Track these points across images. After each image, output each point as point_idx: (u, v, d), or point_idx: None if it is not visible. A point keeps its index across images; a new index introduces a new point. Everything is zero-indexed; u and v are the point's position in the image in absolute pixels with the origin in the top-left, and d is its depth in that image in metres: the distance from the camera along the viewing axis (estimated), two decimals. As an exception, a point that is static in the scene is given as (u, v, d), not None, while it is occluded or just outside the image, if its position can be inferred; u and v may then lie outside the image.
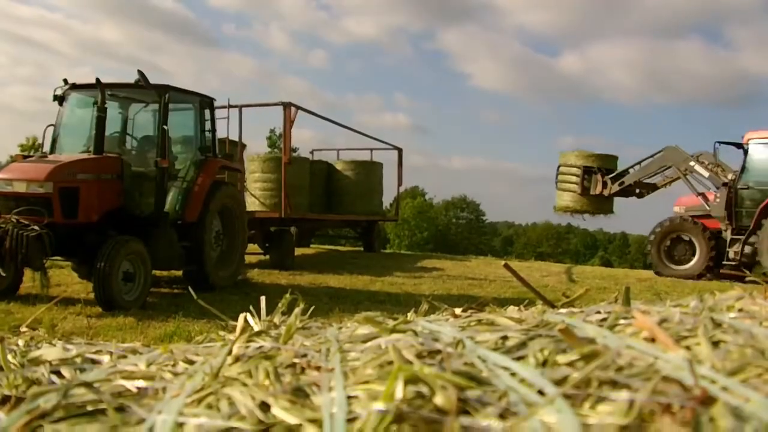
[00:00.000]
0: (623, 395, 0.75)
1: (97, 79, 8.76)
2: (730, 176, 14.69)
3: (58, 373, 1.11)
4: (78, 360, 1.21)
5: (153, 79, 9.25)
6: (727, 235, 14.51)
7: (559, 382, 0.81)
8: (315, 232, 19.44)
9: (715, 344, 0.95)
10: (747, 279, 13.99)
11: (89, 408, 0.89)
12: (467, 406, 0.76)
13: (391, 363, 0.91)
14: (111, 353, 1.26)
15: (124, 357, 1.22)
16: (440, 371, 0.83)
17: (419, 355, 0.94)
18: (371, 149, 19.78)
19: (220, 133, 11.72)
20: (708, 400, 0.73)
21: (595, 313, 1.21)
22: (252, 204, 15.24)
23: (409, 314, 1.41)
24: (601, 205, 17.76)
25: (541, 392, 0.77)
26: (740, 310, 1.19)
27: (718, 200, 14.65)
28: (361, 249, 19.72)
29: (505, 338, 1.03)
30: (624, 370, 0.83)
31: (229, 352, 1.07)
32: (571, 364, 0.87)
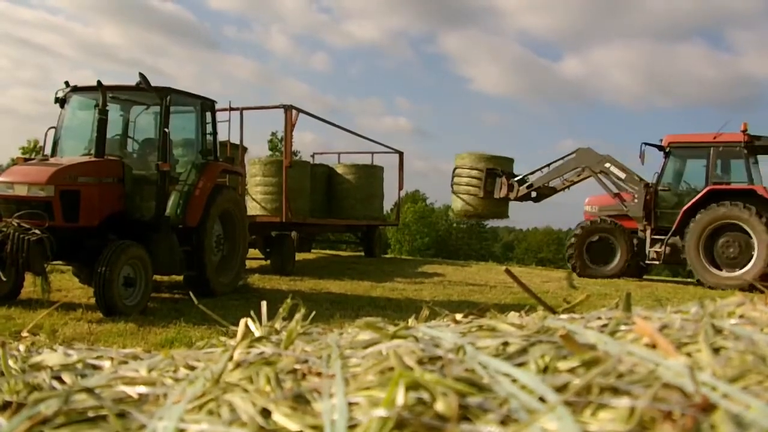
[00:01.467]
0: (624, 402, 0.75)
1: (99, 82, 8.78)
2: (635, 178, 15.08)
3: (60, 379, 1.11)
4: (79, 365, 1.21)
5: (154, 82, 9.27)
6: (646, 235, 14.87)
7: (560, 389, 0.81)
8: (316, 237, 19.44)
9: (716, 351, 0.95)
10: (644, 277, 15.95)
11: (90, 414, 0.89)
12: (468, 412, 0.76)
13: (392, 369, 0.91)
14: (112, 359, 1.26)
15: (125, 362, 1.23)
16: (441, 377, 0.83)
17: (420, 361, 0.94)
18: (372, 153, 19.81)
19: (221, 137, 11.75)
20: (709, 407, 0.73)
21: (596, 319, 1.21)
22: (253, 208, 15.22)
23: (409, 320, 1.41)
24: (498, 209, 17.76)
25: (542, 399, 0.77)
26: (741, 317, 1.19)
27: (636, 201, 14.97)
28: (362, 254, 19.71)
29: (506, 344, 1.03)
30: (625, 377, 0.83)
31: (230, 358, 1.07)
32: (572, 370, 0.87)
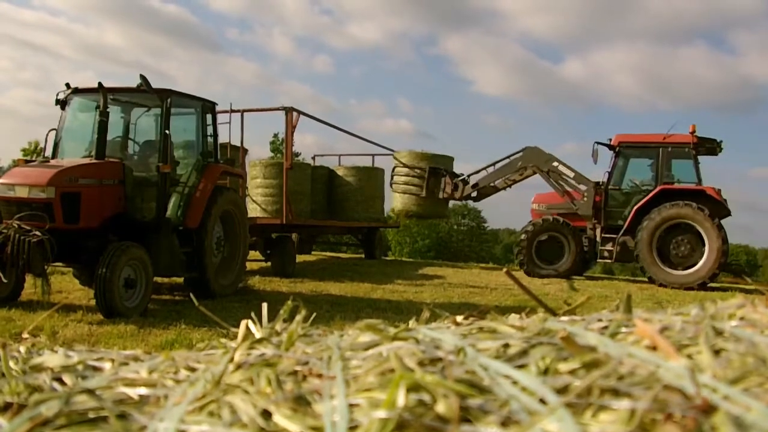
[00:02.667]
0: (625, 404, 0.75)
1: (100, 84, 8.78)
2: (583, 177, 15.36)
3: (60, 380, 1.11)
4: (80, 367, 1.21)
5: (156, 84, 9.28)
6: (597, 233, 15.10)
7: (561, 391, 0.81)
8: (316, 239, 19.44)
9: (717, 353, 0.95)
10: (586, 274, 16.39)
11: (91, 415, 0.89)
12: (469, 414, 0.76)
13: (392, 371, 0.91)
14: (113, 360, 1.26)
15: (126, 364, 1.22)
16: (442, 379, 0.83)
17: (421, 363, 0.94)
18: (373, 155, 19.78)
19: (222, 138, 11.76)
20: (709, 409, 0.73)
21: (596, 321, 1.21)
22: (253, 210, 15.23)
23: (410, 322, 1.41)
24: (439, 208, 17.86)
25: (542, 401, 0.77)
26: (742, 319, 1.19)
27: (585, 199, 15.17)
28: (363, 256, 19.70)
29: (506, 346, 1.03)
30: (626, 379, 0.83)
31: (231, 360, 1.07)
32: (572, 372, 0.87)
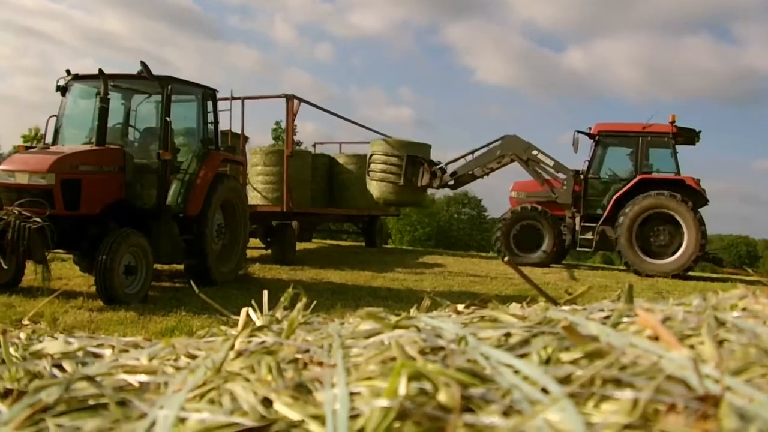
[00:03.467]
0: (627, 394, 0.75)
1: (100, 70, 8.75)
2: (562, 166, 15.35)
3: (60, 367, 1.11)
4: (80, 354, 1.21)
5: (157, 71, 9.26)
6: (576, 222, 15.17)
7: (563, 380, 0.80)
8: (316, 227, 19.44)
9: (719, 343, 0.94)
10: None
11: (91, 402, 0.89)
12: (470, 403, 0.76)
13: (393, 359, 0.91)
14: (113, 347, 1.26)
15: (126, 351, 1.22)
16: (443, 368, 0.83)
17: (422, 352, 0.94)
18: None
19: (223, 126, 11.74)
20: (712, 400, 0.73)
21: (598, 310, 1.21)
22: (254, 198, 15.21)
23: (411, 310, 1.41)
24: (417, 197, 17.76)
25: (544, 390, 0.77)
26: (744, 310, 1.19)
27: (565, 188, 15.22)
28: (363, 244, 19.70)
29: (508, 335, 1.03)
30: (628, 369, 0.83)
31: (231, 347, 1.06)
32: (574, 362, 0.87)
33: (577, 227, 15.12)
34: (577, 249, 15.68)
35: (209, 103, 10.34)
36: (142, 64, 9.01)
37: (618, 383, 0.79)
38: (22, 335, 1.39)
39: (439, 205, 57.53)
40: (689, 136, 15.23)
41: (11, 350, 1.20)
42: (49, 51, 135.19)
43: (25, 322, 1.62)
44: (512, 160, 15.69)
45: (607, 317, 1.13)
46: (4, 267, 7.72)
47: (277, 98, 14.45)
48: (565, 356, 0.89)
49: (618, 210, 14.28)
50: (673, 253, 13.98)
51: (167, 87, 9.25)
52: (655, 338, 0.95)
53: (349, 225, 20.50)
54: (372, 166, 16.98)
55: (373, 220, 19.21)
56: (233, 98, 13.48)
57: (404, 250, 23.63)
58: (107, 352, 1.22)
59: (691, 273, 14.18)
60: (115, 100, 9.58)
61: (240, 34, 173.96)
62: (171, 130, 9.40)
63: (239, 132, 14.41)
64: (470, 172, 16.25)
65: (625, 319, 1.10)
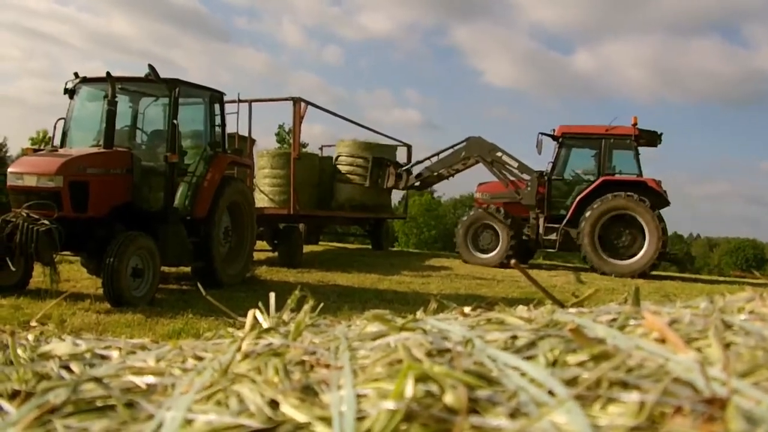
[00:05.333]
0: (634, 396, 0.75)
1: (108, 73, 8.79)
2: (526, 167, 15.51)
3: (68, 368, 1.11)
4: (87, 355, 1.21)
5: (165, 74, 9.28)
6: (539, 223, 15.32)
7: (570, 383, 0.80)
8: (323, 229, 19.45)
9: (726, 346, 0.94)
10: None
11: (99, 403, 0.89)
12: (477, 405, 0.76)
13: (400, 361, 0.91)
14: (120, 349, 1.26)
15: (134, 353, 1.23)
16: (450, 370, 0.83)
17: (429, 354, 0.94)
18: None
19: (230, 128, 11.76)
20: (719, 403, 0.73)
21: (604, 313, 1.21)
22: (261, 200, 15.24)
23: (417, 313, 1.41)
24: (382, 199, 17.89)
25: (551, 392, 0.77)
26: (751, 312, 1.19)
27: (529, 189, 15.35)
28: (369, 247, 19.70)
29: (514, 338, 1.03)
30: (634, 371, 0.83)
31: (238, 349, 1.07)
32: (581, 364, 0.87)
33: (541, 228, 15.27)
34: (541, 250, 16.05)
35: (216, 106, 10.36)
36: (150, 67, 9.05)
37: (624, 386, 0.79)
38: (30, 337, 1.39)
39: (445, 207, 57.49)
40: (651, 138, 15.41)
41: (19, 352, 1.20)
42: (57, 53, 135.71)
43: (33, 323, 1.63)
44: (477, 162, 15.83)
45: (614, 320, 1.13)
46: (13, 269, 7.75)
47: (284, 101, 14.48)
48: (572, 359, 0.89)
49: (581, 211, 14.47)
50: (635, 254, 14.17)
51: (174, 90, 9.28)
52: (662, 341, 0.95)
53: (355, 228, 20.52)
54: (338, 167, 17.08)
55: (379, 223, 19.21)
56: (240, 101, 13.51)
57: (411, 252, 23.63)
58: (115, 354, 1.23)
59: (696, 274, 14.26)
60: (123, 102, 9.61)
61: (247, 36, 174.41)
62: (178, 133, 9.42)
63: (246, 135, 14.44)
64: (436, 174, 16.36)
65: (631, 322, 1.10)
